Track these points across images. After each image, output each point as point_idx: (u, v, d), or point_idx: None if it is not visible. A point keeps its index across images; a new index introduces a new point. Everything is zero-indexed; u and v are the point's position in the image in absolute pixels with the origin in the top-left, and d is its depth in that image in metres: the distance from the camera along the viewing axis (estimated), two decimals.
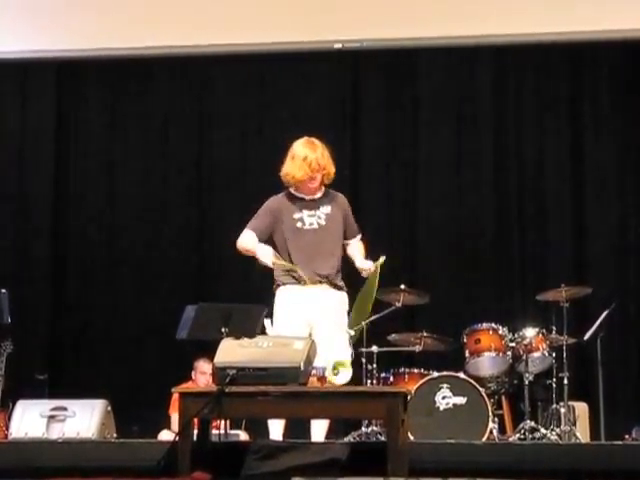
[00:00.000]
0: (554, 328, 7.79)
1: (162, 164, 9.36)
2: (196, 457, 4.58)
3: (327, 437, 5.93)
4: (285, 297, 5.98)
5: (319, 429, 5.84)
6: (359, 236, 6.22)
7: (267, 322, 5.94)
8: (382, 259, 5.96)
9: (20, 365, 8.38)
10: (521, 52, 9.00)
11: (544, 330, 7.83)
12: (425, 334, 7.95)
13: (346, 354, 5.80)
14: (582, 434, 7.66)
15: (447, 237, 8.98)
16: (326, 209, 6.07)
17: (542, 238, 8.95)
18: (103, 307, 9.14)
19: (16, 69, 9.33)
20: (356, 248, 6.18)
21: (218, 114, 9.29)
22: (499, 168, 9.06)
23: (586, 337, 7.85)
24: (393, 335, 7.99)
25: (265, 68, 9.14)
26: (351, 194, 8.82)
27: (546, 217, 8.96)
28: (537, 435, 7.49)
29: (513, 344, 7.83)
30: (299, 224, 6.01)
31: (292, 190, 6.10)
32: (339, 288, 6.02)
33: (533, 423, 7.58)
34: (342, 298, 6.03)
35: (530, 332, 7.83)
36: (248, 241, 6.03)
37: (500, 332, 7.85)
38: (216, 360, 4.78)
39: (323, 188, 6.13)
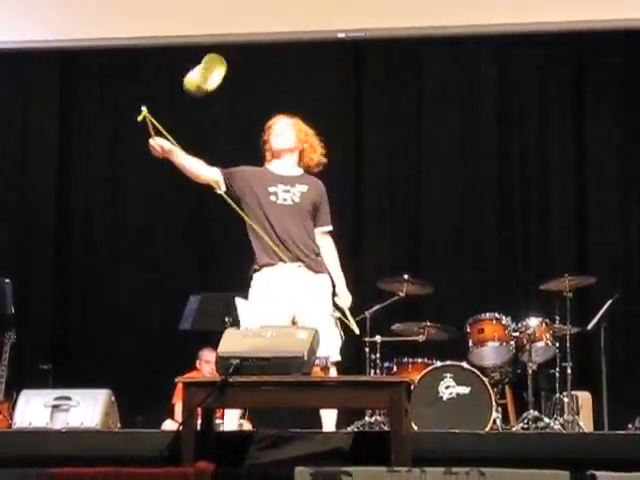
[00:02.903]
0: (557, 318, 7.77)
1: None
2: (200, 447, 4.58)
3: None
4: (263, 282, 5.71)
5: (330, 418, 5.70)
6: (329, 228, 5.88)
7: (240, 302, 5.67)
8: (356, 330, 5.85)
9: (24, 355, 8.41)
10: (525, 42, 8.96)
11: (547, 320, 7.82)
12: (428, 324, 7.94)
13: (336, 339, 5.69)
14: (585, 423, 7.65)
15: (450, 227, 8.98)
16: (302, 187, 5.80)
17: (545, 227, 8.94)
18: (107, 297, 9.15)
19: (18, 61, 9.30)
20: (330, 252, 5.86)
21: (221, 105, 9.26)
22: (502, 158, 9.06)
23: (589, 327, 7.85)
24: (396, 325, 7.99)
25: (268, 58, 9.11)
26: (354, 185, 8.92)
27: (549, 206, 8.95)
28: (540, 425, 7.47)
29: (516, 334, 7.82)
30: (272, 197, 5.75)
31: (268, 165, 5.91)
32: (319, 271, 5.74)
33: (536, 413, 7.57)
34: (323, 281, 5.75)
35: (533, 322, 7.81)
36: (202, 169, 6.05)
37: (503, 322, 7.84)
38: (219, 350, 4.76)
39: (302, 170, 5.90)
